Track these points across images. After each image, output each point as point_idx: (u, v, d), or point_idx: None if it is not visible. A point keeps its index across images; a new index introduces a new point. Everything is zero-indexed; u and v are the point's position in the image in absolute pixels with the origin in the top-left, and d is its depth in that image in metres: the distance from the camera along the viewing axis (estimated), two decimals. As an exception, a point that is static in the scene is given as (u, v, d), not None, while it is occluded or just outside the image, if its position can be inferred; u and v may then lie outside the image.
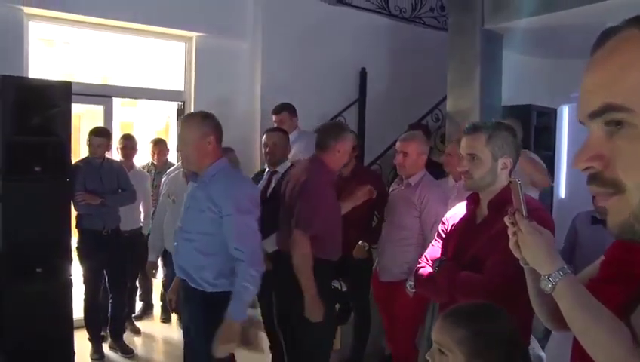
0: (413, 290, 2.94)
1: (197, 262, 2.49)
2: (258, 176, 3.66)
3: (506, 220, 1.32)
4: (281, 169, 3.49)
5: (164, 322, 5.14)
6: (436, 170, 3.58)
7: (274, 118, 4.48)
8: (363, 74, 6.02)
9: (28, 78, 4.30)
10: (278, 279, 3.40)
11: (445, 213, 2.48)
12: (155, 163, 5.06)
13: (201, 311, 2.49)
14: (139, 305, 5.23)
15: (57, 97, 3.85)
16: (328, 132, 3.01)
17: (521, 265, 1.34)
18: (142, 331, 4.89)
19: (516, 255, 1.32)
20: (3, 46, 4.56)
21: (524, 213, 1.30)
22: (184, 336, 2.80)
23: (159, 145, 5.11)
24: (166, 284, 5.07)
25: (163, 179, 4.61)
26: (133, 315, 5.01)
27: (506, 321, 1.48)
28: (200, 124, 2.51)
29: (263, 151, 3.55)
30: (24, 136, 3.64)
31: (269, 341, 3.71)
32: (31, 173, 3.58)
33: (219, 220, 2.40)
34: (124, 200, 4.31)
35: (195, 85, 5.40)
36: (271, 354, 3.73)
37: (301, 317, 2.81)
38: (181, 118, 2.62)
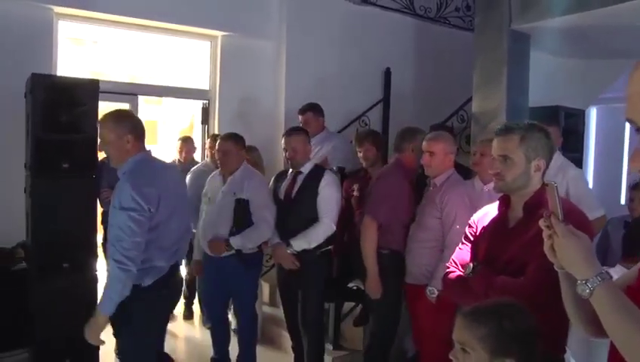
0: (434, 295, 2.92)
1: (113, 255, 2.52)
2: (282, 176, 3.64)
3: (541, 223, 1.29)
4: (305, 169, 3.48)
5: (186, 319, 5.18)
6: (461, 172, 3.53)
7: (300, 118, 4.48)
8: (387, 74, 5.99)
9: (57, 76, 4.36)
10: (304, 278, 3.40)
11: (466, 215, 2.45)
12: (182, 160, 5.09)
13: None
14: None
15: (85, 95, 3.88)
16: (402, 135, 3.46)
17: (556, 269, 1.31)
18: (168, 329, 4.92)
19: (551, 259, 1.29)
20: (33, 44, 4.65)
21: (560, 216, 1.27)
22: None
23: (187, 142, 5.14)
24: (187, 282, 5.13)
25: (188, 177, 4.65)
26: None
27: (526, 317, 1.48)
28: (116, 125, 2.59)
29: (284, 155, 3.54)
30: (52, 134, 3.68)
31: (292, 340, 3.71)
32: (59, 170, 3.62)
33: (114, 213, 2.49)
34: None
35: (220, 84, 5.43)
36: (293, 354, 3.72)
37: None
38: (100, 119, 2.70)
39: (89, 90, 3.90)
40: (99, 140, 2.66)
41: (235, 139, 3.62)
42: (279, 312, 4.71)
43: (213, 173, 3.83)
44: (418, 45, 6.22)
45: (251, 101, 5.47)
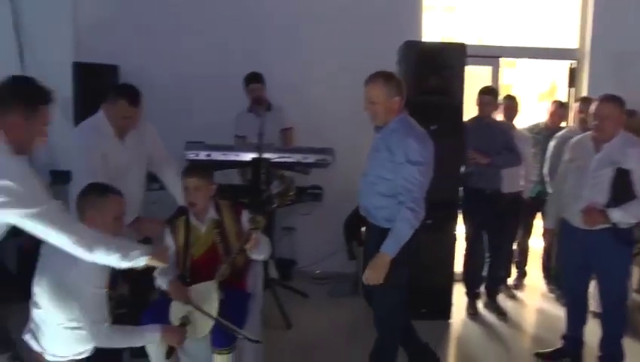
0: None
1: (376, 202, 2.84)
2: None
3: None
4: None
5: (516, 288, 5.02)
6: None
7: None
8: None
9: (426, 42, 4.56)
10: None
11: None
12: (548, 124, 4.82)
13: (377, 244, 2.73)
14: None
15: (452, 59, 4.00)
16: None
17: None
18: (517, 297, 4.85)
19: None
20: (402, 14, 4.97)
21: None
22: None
23: (561, 108, 4.84)
24: (548, 252, 4.88)
25: (551, 143, 4.38)
26: (509, 281, 4.98)
27: None
28: (386, 86, 2.74)
29: None
30: (422, 97, 3.90)
31: None
32: (427, 132, 3.79)
33: (394, 167, 2.70)
34: (509, 161, 4.24)
35: (592, 41, 4.92)
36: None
37: None
38: (367, 79, 2.79)
39: (456, 55, 4.01)
40: (367, 99, 2.79)
41: (615, 101, 3.20)
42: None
43: (577, 137, 3.49)
44: None
45: (628, 59, 4.80)
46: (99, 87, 4.45)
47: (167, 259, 2.50)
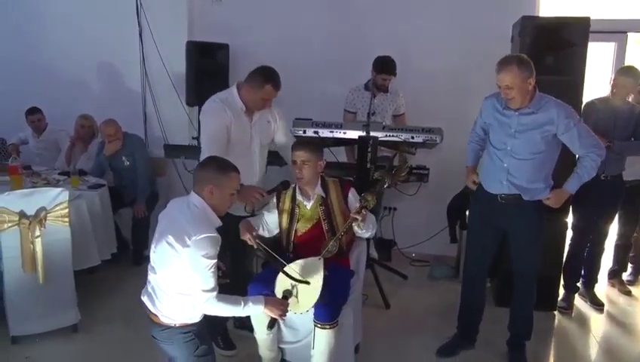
0: None
1: (531, 175, 3.04)
2: None
3: None
4: None
5: (630, 284, 4.66)
6: None
7: None
8: None
9: (545, 17, 4.25)
10: None
11: None
12: None
13: (531, 218, 3.14)
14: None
15: (574, 35, 3.71)
16: None
17: None
18: (632, 293, 4.52)
19: None
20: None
21: None
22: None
23: None
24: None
25: None
26: (623, 276, 4.65)
27: None
28: (520, 69, 2.86)
29: None
30: (540, 76, 3.63)
31: None
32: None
33: (551, 139, 2.97)
34: (635, 149, 3.90)
35: None
36: None
37: None
38: (499, 65, 2.91)
39: (578, 30, 3.71)
40: (503, 85, 2.90)
41: None
42: None
43: None
44: None
45: None
46: (210, 64, 4.63)
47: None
